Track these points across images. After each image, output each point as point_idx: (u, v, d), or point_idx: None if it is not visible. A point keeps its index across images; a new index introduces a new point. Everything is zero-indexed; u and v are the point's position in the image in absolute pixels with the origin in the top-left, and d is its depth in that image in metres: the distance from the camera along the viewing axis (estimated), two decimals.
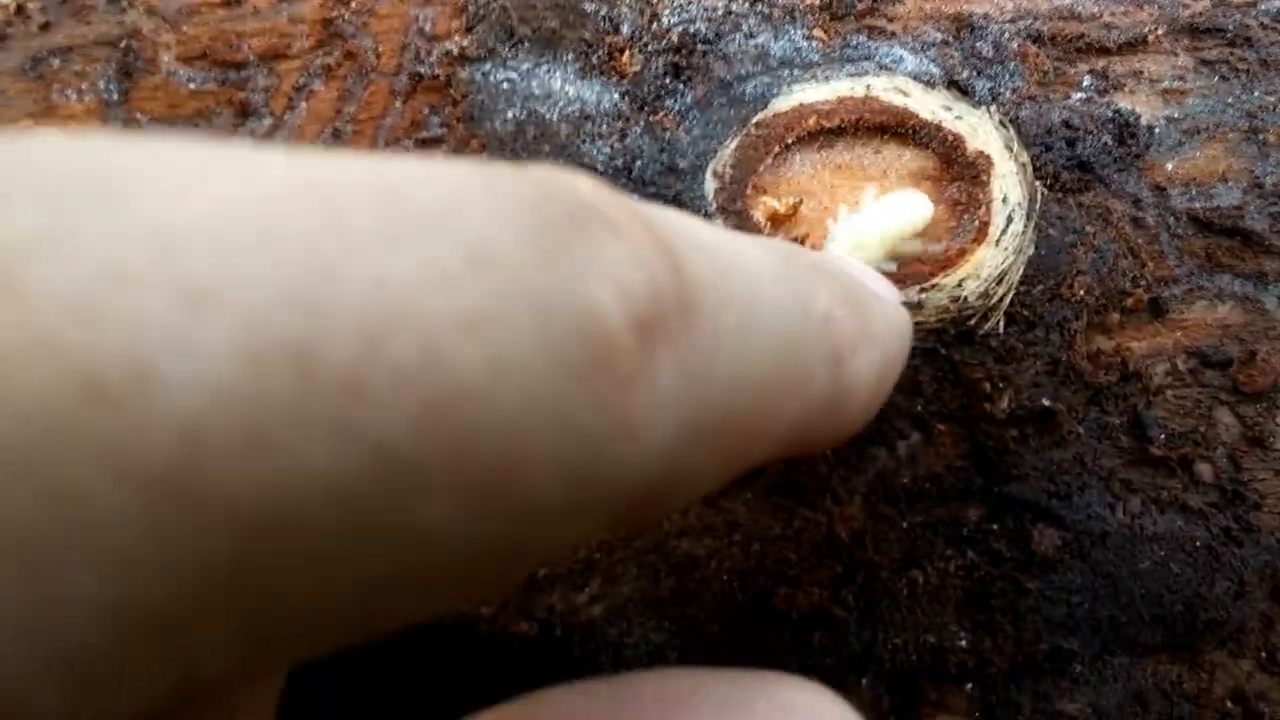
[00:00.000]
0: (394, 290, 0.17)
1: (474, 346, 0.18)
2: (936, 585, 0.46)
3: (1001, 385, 0.47)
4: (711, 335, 0.24)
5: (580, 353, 0.20)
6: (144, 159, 0.18)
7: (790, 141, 0.49)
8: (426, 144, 0.49)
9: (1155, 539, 0.47)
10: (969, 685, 0.46)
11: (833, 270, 0.35)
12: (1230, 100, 0.52)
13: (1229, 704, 0.46)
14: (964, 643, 0.46)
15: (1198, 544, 0.47)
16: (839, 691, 0.49)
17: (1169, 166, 0.51)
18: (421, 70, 0.50)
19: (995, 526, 0.47)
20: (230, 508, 0.15)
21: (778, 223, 0.49)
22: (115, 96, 0.49)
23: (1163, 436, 0.48)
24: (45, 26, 0.50)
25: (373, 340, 0.17)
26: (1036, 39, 0.52)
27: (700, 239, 0.26)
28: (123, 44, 0.49)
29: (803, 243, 0.49)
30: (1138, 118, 0.51)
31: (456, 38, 0.50)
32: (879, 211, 0.47)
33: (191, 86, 0.49)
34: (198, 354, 0.15)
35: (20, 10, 0.50)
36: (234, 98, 0.49)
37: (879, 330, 0.34)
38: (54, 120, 0.48)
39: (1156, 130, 0.51)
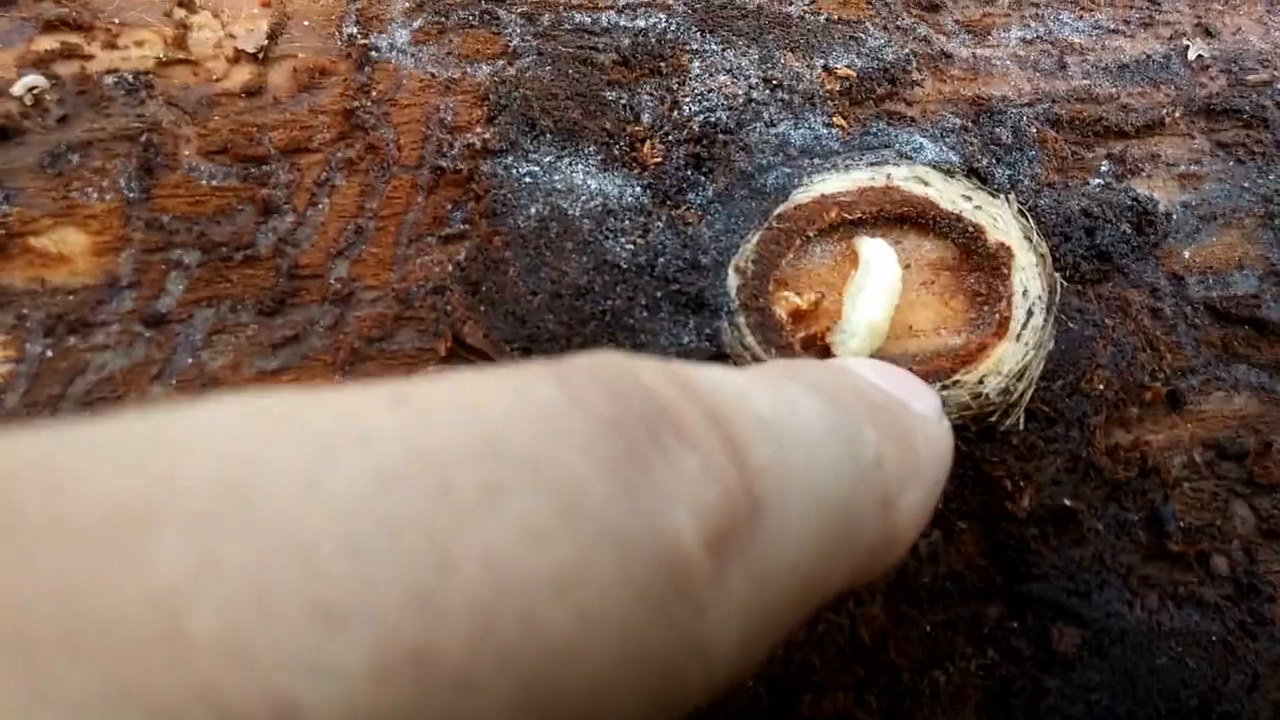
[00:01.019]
0: (499, 565, 0.18)
1: (565, 606, 0.18)
2: (958, 685, 0.43)
3: (1022, 484, 0.44)
4: (777, 529, 0.24)
5: (661, 585, 0.20)
6: (268, 447, 0.18)
7: (811, 234, 0.46)
8: (450, 240, 0.45)
9: (1172, 634, 0.44)
10: None
11: (879, 401, 0.33)
12: (1246, 184, 0.49)
13: None
14: None
15: (1213, 639, 0.44)
16: None
17: (1186, 254, 0.47)
18: (444, 164, 0.46)
19: (1015, 625, 0.44)
20: None
21: (800, 318, 0.45)
22: (136, 194, 0.45)
23: (1180, 531, 0.45)
24: (63, 120, 0.46)
25: (482, 626, 0.17)
26: (1055, 123, 0.48)
27: (759, 411, 0.26)
28: (143, 138, 0.45)
29: (820, 337, 0.45)
30: (1155, 204, 0.48)
31: (478, 129, 0.46)
32: (870, 283, 0.44)
33: (213, 183, 0.45)
34: (334, 676, 0.16)
35: (38, 103, 0.46)
36: (256, 194, 0.45)
37: (924, 461, 0.33)
38: (74, 221, 0.44)
39: (1174, 217, 0.48)
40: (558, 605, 0.18)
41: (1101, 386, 0.46)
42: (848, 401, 0.30)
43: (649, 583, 0.20)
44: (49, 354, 0.44)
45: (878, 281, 0.44)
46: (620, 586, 0.19)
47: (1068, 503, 0.44)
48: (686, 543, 0.21)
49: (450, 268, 0.45)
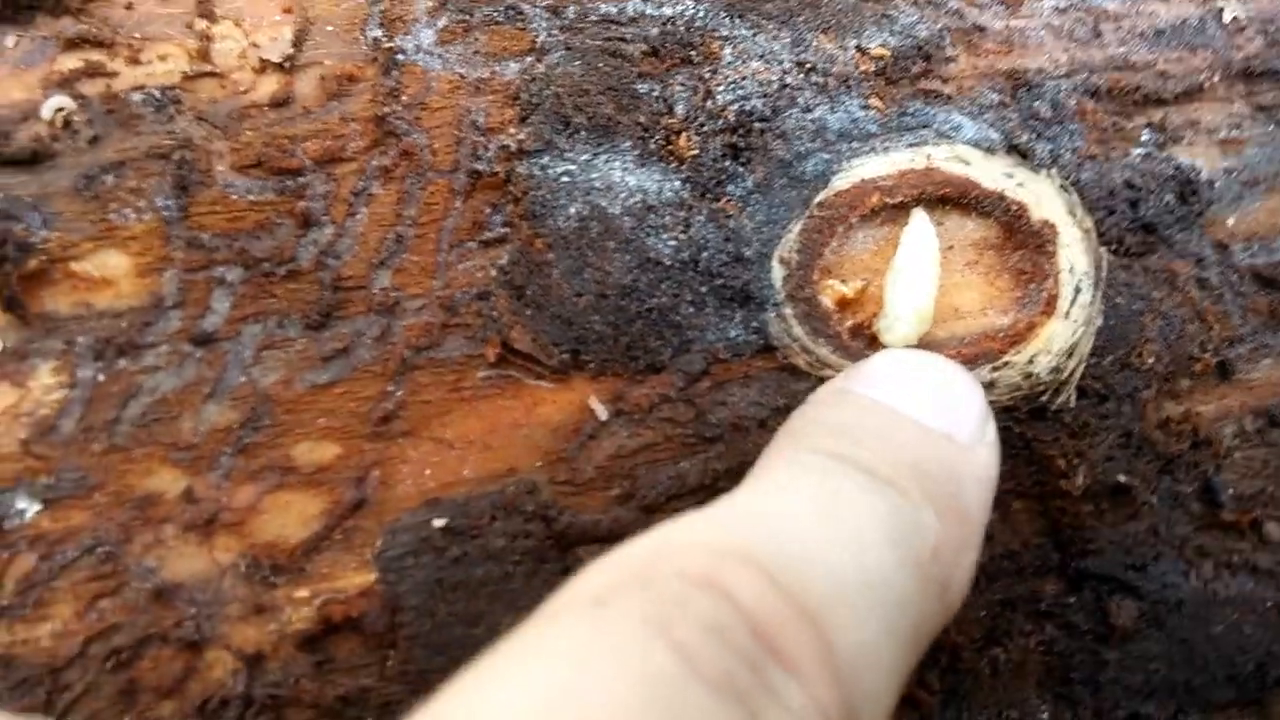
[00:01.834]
0: None
1: None
2: (1018, 661, 0.43)
3: (1076, 461, 0.44)
4: (867, 702, 0.26)
5: None
6: None
7: (854, 221, 0.45)
8: (491, 245, 0.44)
9: (1228, 602, 0.44)
10: None
11: (931, 465, 0.33)
12: None
13: None
14: (1045, 715, 0.43)
15: (1268, 604, 0.44)
16: None
17: (1230, 222, 0.47)
18: (479, 167, 0.45)
19: (1073, 600, 0.44)
20: None
21: (846, 306, 0.45)
22: (174, 213, 0.44)
23: (1232, 500, 0.45)
24: (94, 140, 0.45)
25: None
26: (1094, 94, 0.47)
27: (833, 572, 0.28)
28: (175, 155, 0.44)
29: (870, 324, 0.44)
30: (1198, 172, 0.46)
31: (512, 129, 0.45)
32: (910, 266, 0.43)
33: (250, 198, 0.44)
34: None
35: (67, 125, 0.45)
36: (294, 207, 0.44)
37: (975, 517, 0.33)
38: (114, 243, 0.44)
39: (1217, 184, 0.47)
40: None
41: (1151, 360, 0.45)
42: (905, 485, 0.31)
43: None
44: (100, 378, 0.43)
45: (918, 263, 0.43)
46: None
47: (1121, 478, 0.44)
48: None
49: (493, 272, 0.45)
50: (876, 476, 0.31)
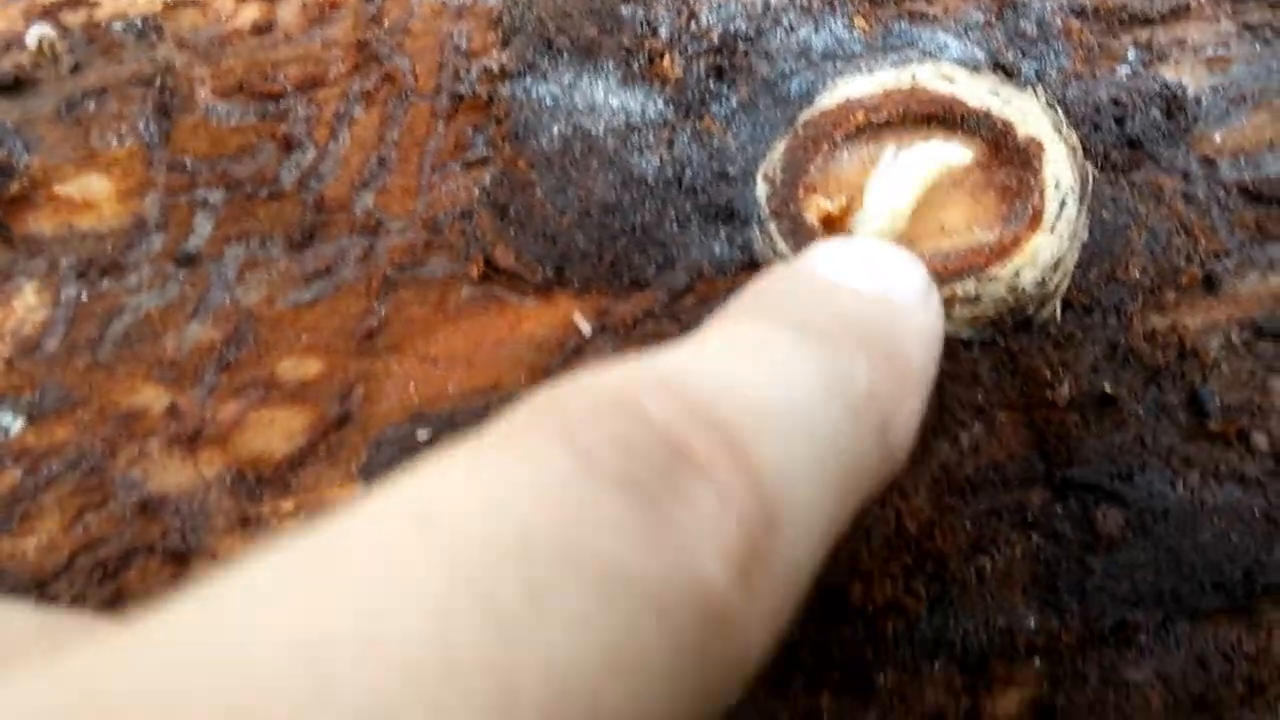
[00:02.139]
0: (558, 670, 0.18)
1: (622, 687, 0.18)
2: (1004, 569, 0.43)
3: (1062, 373, 0.43)
4: (793, 523, 0.24)
5: (700, 631, 0.20)
6: (324, 606, 0.18)
7: (839, 139, 0.45)
8: (473, 166, 0.44)
9: (1215, 510, 0.44)
10: (1037, 661, 0.43)
11: (866, 316, 0.31)
12: (1274, 65, 0.47)
13: None
14: (1032, 622, 0.43)
15: (1256, 512, 0.44)
16: (913, 676, 0.46)
17: (1217, 138, 0.46)
18: (462, 90, 0.44)
19: (1059, 510, 0.44)
20: None
21: (831, 224, 0.44)
22: (156, 138, 0.44)
23: (1219, 410, 0.44)
24: (76, 68, 0.44)
25: None
26: (1079, 13, 0.47)
27: (757, 400, 0.25)
28: (157, 81, 0.44)
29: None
30: (1184, 90, 0.46)
31: (494, 52, 0.45)
32: (911, 161, 0.42)
33: (232, 122, 0.44)
34: None
35: (49, 53, 0.45)
36: (276, 131, 0.44)
37: (917, 365, 0.32)
38: (97, 167, 0.43)
39: (1203, 101, 0.46)
40: (615, 689, 0.18)
41: (1137, 273, 0.45)
42: (835, 334, 0.29)
43: (689, 635, 0.20)
44: (84, 297, 0.43)
45: (902, 167, 0.43)
46: (665, 650, 0.20)
47: (1107, 388, 0.43)
48: (717, 583, 0.21)
49: (476, 192, 0.44)
50: (807, 331, 0.29)
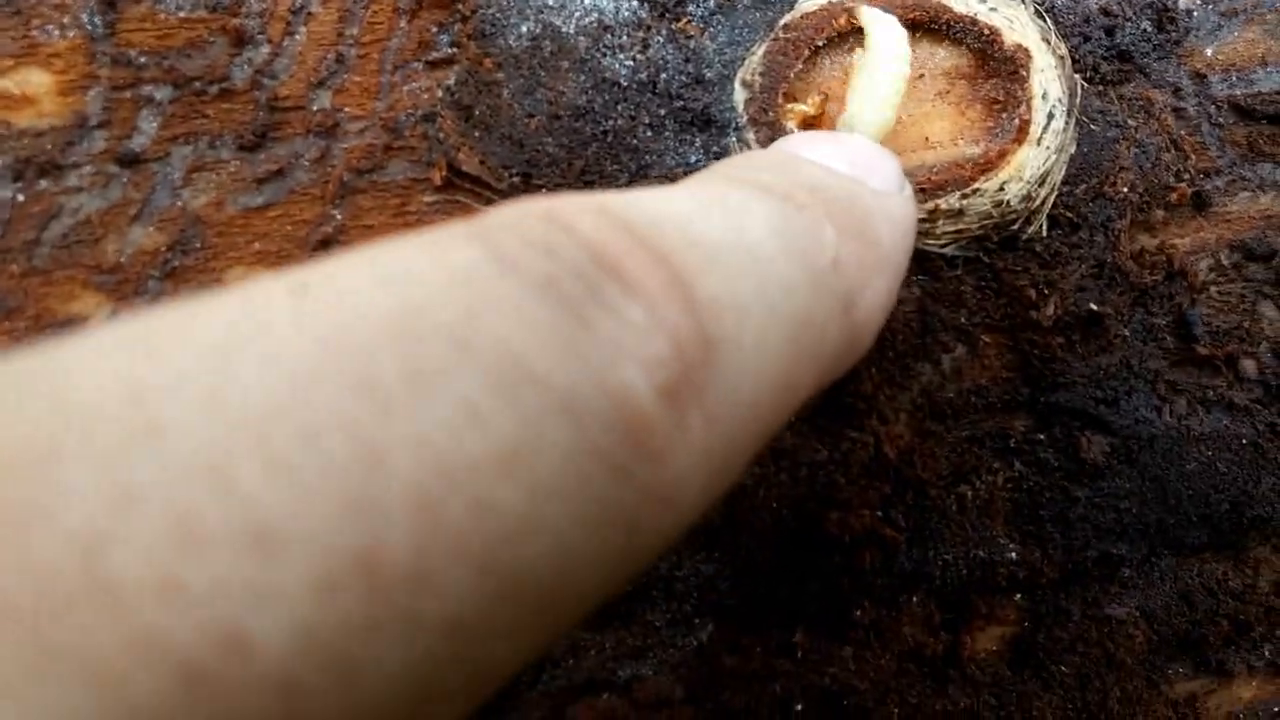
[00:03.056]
0: (438, 454, 0.16)
1: (515, 484, 0.16)
2: (985, 499, 0.41)
3: (1047, 291, 0.41)
4: (734, 364, 0.21)
5: (617, 445, 0.18)
6: (165, 362, 0.15)
7: (820, 44, 0.42)
8: (437, 65, 0.40)
9: (1202, 439, 0.42)
10: (1018, 596, 0.41)
11: (836, 191, 0.27)
12: None
13: (1272, 597, 0.41)
14: (1013, 554, 0.41)
15: (1244, 442, 0.42)
16: (890, 610, 0.44)
17: (1208, 52, 0.44)
18: None
19: (1043, 436, 0.41)
20: None
21: (809, 126, 0.41)
22: (100, 30, 0.40)
23: (1207, 334, 0.42)
24: None
25: (428, 520, 0.15)
26: None
27: (705, 237, 0.22)
28: None
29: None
30: (1175, 1, 0.44)
31: None
32: (875, 68, 0.39)
33: (180, 14, 0.41)
34: (279, 598, 0.14)
35: None
36: (227, 24, 0.40)
37: (887, 248, 0.28)
38: (37, 60, 0.40)
39: (1194, 14, 0.44)
40: (507, 485, 0.16)
41: (1125, 189, 0.42)
42: (802, 201, 0.26)
43: (604, 445, 0.18)
44: (20, 198, 0.39)
45: (884, 65, 0.40)
46: (573, 455, 0.17)
47: (1094, 307, 0.41)
48: (640, 397, 0.18)
49: (440, 93, 0.39)
50: (770, 191, 0.25)
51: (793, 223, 0.25)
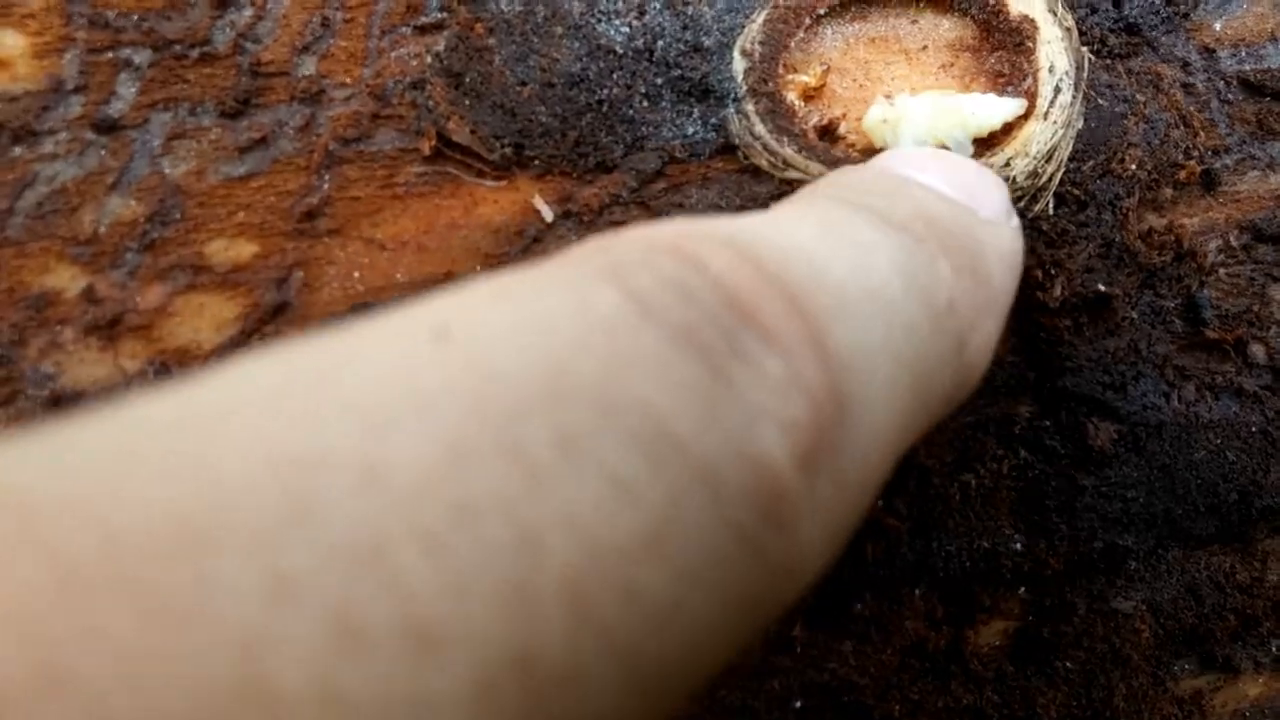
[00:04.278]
0: (587, 532, 0.14)
1: (661, 565, 0.15)
2: (990, 488, 0.38)
3: (1054, 272, 0.39)
4: (862, 422, 0.20)
5: (753, 516, 0.17)
6: (316, 431, 0.14)
7: (821, 12, 0.40)
8: (426, 30, 0.38)
9: (1210, 427, 0.39)
10: (1022, 589, 0.39)
11: (950, 223, 0.26)
12: None
13: None
14: (1018, 545, 0.39)
15: (1253, 429, 0.39)
16: (892, 603, 0.42)
17: (1217, 26, 0.41)
18: None
19: (1048, 423, 0.39)
20: None
21: (810, 98, 0.39)
22: None
23: (1216, 318, 0.40)
24: None
25: (580, 610, 0.14)
26: None
27: (834, 279, 0.21)
28: None
29: (837, 124, 0.39)
30: None
31: None
32: (969, 105, 0.36)
33: None
34: (437, 707, 0.12)
35: None
36: None
37: (998, 287, 0.27)
38: (10, 21, 0.38)
39: None
40: (653, 569, 0.15)
41: (1134, 166, 0.40)
42: (919, 233, 0.24)
43: (739, 518, 0.17)
44: None
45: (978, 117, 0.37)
46: (713, 529, 0.16)
47: (1101, 289, 0.39)
48: (777, 463, 0.17)
49: (429, 59, 0.37)
50: (889, 219, 0.24)
51: (914, 260, 0.24)
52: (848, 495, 0.20)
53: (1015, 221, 0.30)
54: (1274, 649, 0.39)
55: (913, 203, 0.26)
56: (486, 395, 0.15)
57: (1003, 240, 0.28)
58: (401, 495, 0.14)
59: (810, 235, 0.22)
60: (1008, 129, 0.38)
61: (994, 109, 0.34)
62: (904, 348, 0.22)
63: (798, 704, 0.35)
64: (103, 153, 0.36)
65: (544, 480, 0.15)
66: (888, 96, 0.36)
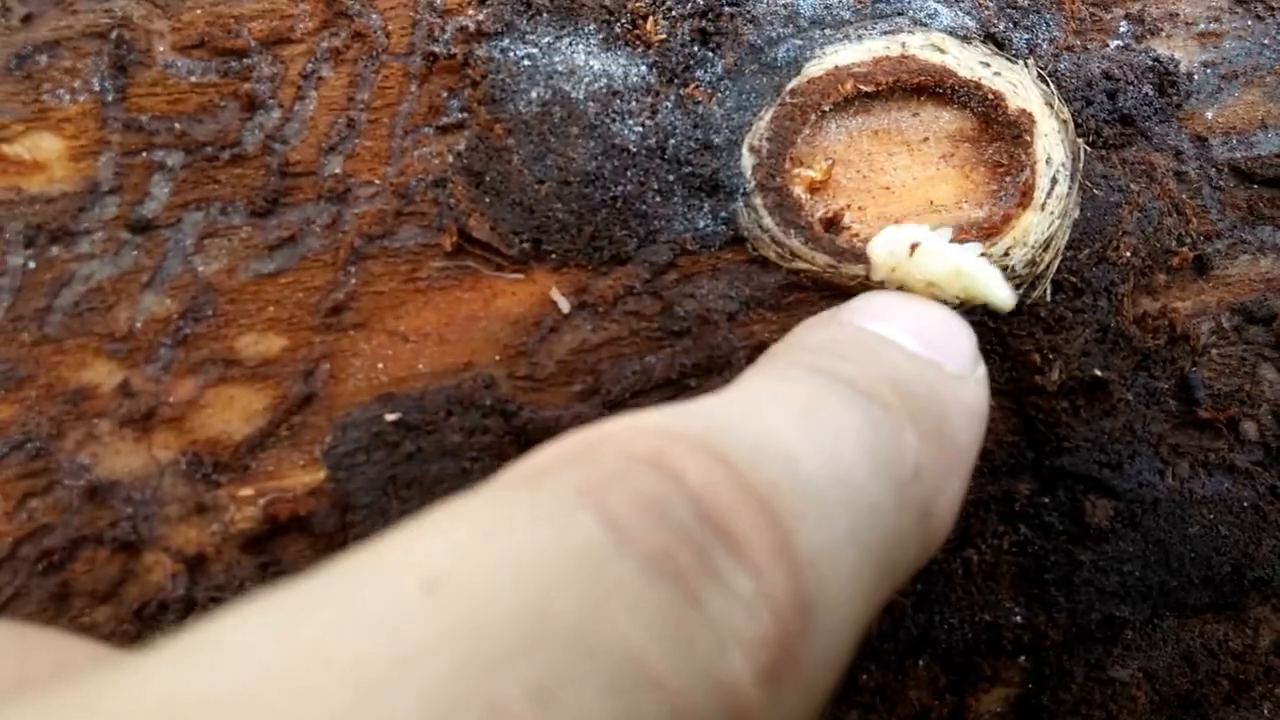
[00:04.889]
0: None
1: None
2: (991, 563, 0.40)
3: (1051, 356, 0.40)
4: (828, 623, 0.21)
5: None
6: (305, 701, 0.15)
7: (826, 108, 0.41)
8: (448, 130, 0.39)
9: (1204, 502, 0.40)
10: (1022, 658, 0.40)
11: (916, 386, 0.27)
12: (1266, 41, 0.43)
13: (1272, 657, 0.40)
14: (1018, 618, 0.40)
15: (1245, 504, 0.40)
16: (897, 674, 0.43)
17: (1209, 115, 0.43)
18: (436, 49, 0.40)
19: (1047, 500, 0.40)
20: None
21: (816, 190, 0.40)
22: (111, 95, 0.39)
23: (1209, 397, 0.41)
24: (27, 19, 0.39)
25: None
26: None
27: (803, 473, 0.22)
28: (113, 34, 0.39)
29: (842, 216, 0.40)
30: (1176, 64, 0.42)
31: (470, 11, 0.40)
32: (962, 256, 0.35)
33: (192, 79, 0.39)
34: None
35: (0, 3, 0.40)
36: (239, 89, 0.39)
37: (962, 447, 0.27)
38: (48, 125, 0.39)
39: (1195, 77, 0.42)
40: None
41: (1128, 254, 0.41)
42: (886, 401, 0.25)
43: None
44: (31, 265, 0.38)
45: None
46: None
47: (1098, 373, 0.40)
48: (743, 687, 0.18)
49: (450, 159, 0.38)
50: (857, 389, 0.25)
51: (881, 434, 0.25)
52: (809, 694, 0.21)
53: (981, 370, 0.31)
54: (1266, 710, 0.40)
55: (880, 367, 0.27)
56: (470, 651, 0.16)
57: (968, 395, 0.29)
58: None
59: (784, 422, 0.23)
60: (1006, 218, 0.39)
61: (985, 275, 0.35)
62: (869, 534, 0.23)
63: None
64: (136, 252, 0.37)
65: None
66: (897, 223, 0.37)
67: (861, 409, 0.25)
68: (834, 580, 0.21)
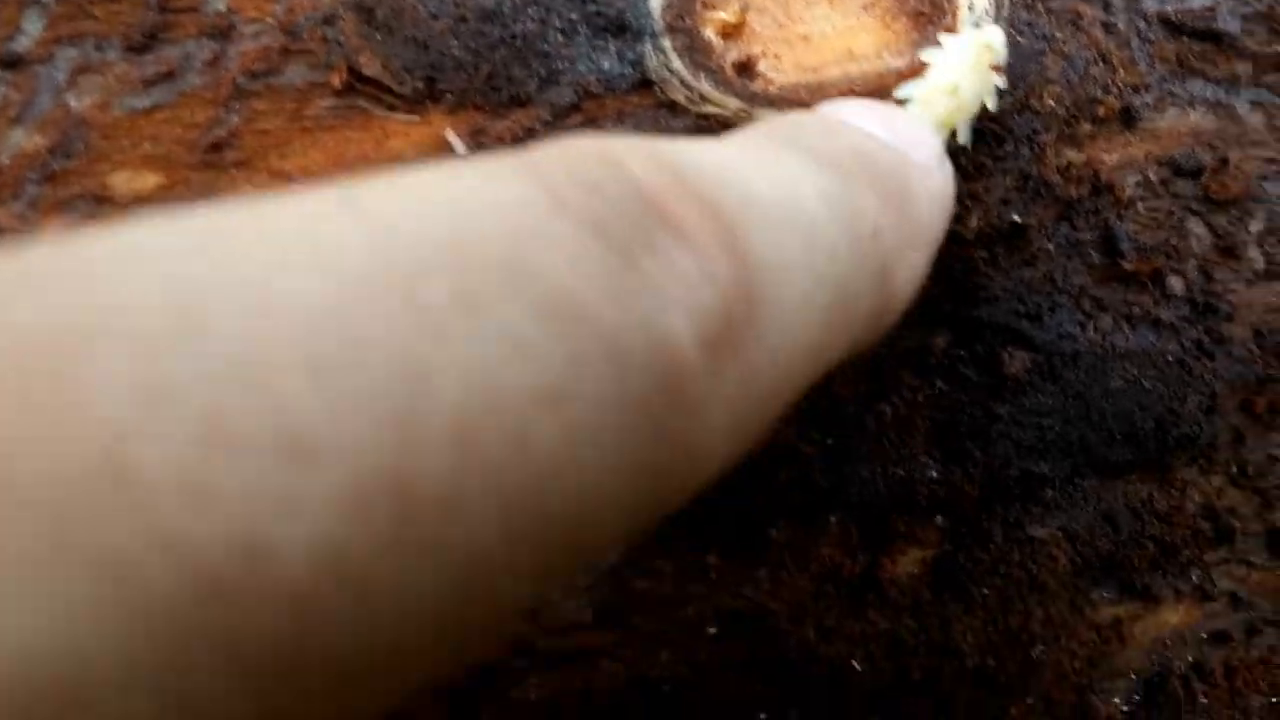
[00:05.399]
0: (482, 381, 0.14)
1: (556, 421, 0.15)
2: (905, 416, 0.38)
3: (970, 204, 0.38)
4: (773, 324, 0.20)
5: (654, 392, 0.17)
6: (215, 262, 0.14)
7: None
8: None
9: (1127, 356, 0.39)
10: (939, 517, 0.38)
11: (880, 161, 0.26)
12: None
13: (1200, 520, 0.39)
14: (934, 473, 0.38)
15: (1169, 359, 0.39)
16: (808, 529, 0.41)
17: None
18: None
19: (963, 353, 0.38)
20: (338, 674, 0.13)
21: (729, 36, 0.38)
22: None
23: (1134, 250, 0.39)
24: None
25: (466, 448, 0.14)
26: None
27: (757, 195, 0.21)
28: None
29: (756, 61, 0.39)
30: None
31: None
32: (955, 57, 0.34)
33: None
34: (307, 512, 0.12)
35: None
36: None
37: (925, 223, 0.27)
38: None
39: None
40: (548, 420, 0.15)
41: (1052, 102, 0.39)
42: (849, 168, 0.25)
43: (642, 390, 0.16)
44: None
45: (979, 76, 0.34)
46: (613, 396, 0.16)
47: (1016, 219, 0.38)
48: (682, 346, 0.17)
49: None
50: (818, 157, 0.24)
51: (839, 188, 0.24)
52: (756, 391, 0.20)
53: (949, 168, 0.30)
54: (1194, 577, 0.39)
55: (845, 141, 0.27)
56: (389, 251, 0.15)
57: (933, 182, 0.29)
58: (289, 320, 0.13)
59: (735, 156, 0.22)
60: (923, 65, 0.37)
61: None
62: (824, 267, 0.22)
63: (712, 630, 0.34)
64: (5, 87, 0.34)
65: (439, 328, 0.14)
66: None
67: (825, 171, 0.24)
68: (784, 288, 0.20)
